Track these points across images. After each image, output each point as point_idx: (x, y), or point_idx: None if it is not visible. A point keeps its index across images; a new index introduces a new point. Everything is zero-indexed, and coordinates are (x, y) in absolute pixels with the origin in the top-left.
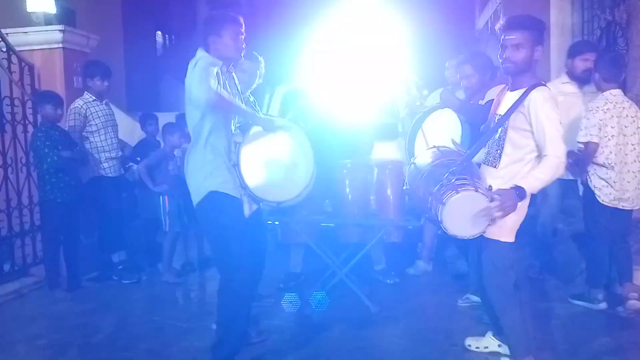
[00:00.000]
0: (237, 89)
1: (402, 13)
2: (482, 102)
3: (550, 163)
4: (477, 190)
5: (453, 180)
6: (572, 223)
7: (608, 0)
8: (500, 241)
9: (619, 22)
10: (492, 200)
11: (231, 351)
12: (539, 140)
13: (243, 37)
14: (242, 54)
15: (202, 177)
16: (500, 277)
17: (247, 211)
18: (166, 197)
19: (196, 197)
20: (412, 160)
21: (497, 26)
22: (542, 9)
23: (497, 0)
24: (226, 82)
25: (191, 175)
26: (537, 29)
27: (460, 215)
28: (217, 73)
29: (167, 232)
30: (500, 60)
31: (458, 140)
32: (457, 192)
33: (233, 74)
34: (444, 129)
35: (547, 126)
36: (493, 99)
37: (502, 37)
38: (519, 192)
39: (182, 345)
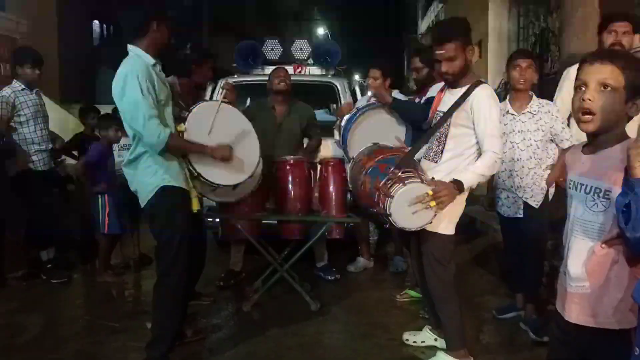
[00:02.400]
0: (166, 85)
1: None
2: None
3: (488, 158)
4: (423, 182)
5: (399, 174)
6: None
7: (542, 8)
8: (439, 233)
9: (552, 29)
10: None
11: (165, 349)
12: (480, 135)
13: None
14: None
15: (151, 173)
16: (440, 269)
17: (195, 206)
18: (105, 196)
19: (145, 194)
20: (353, 159)
21: (430, 42)
22: (481, 15)
23: (439, 5)
24: (159, 83)
25: (139, 173)
26: (464, 34)
27: (408, 208)
28: (151, 81)
29: (106, 233)
30: (439, 73)
31: (402, 136)
32: (404, 185)
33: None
34: (382, 127)
35: (487, 123)
36: (432, 96)
37: (434, 51)
38: (457, 185)
39: (115, 345)
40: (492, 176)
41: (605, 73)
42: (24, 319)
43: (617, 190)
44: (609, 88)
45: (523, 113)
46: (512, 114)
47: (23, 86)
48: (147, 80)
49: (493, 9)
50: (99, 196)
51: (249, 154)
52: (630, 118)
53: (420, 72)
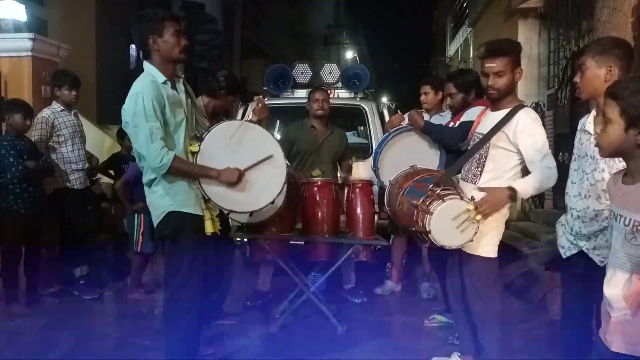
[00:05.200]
0: (182, 103)
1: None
2: (450, 122)
3: (543, 172)
4: (462, 199)
5: (438, 191)
6: (536, 246)
7: (573, 31)
8: (482, 256)
9: None
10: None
11: None
12: (529, 157)
13: (183, 35)
14: (185, 54)
15: (159, 197)
16: (484, 291)
17: (209, 229)
18: (142, 216)
19: (155, 218)
20: (389, 181)
21: (477, 54)
22: (510, 38)
23: (467, 29)
24: (171, 102)
25: (150, 196)
26: (515, 53)
27: (448, 225)
28: (159, 101)
29: (139, 252)
30: (484, 87)
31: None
32: (444, 201)
33: (182, 81)
34: (414, 150)
35: (539, 142)
36: (468, 121)
37: (484, 64)
38: (511, 191)
39: None
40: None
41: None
42: (56, 336)
43: None
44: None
45: None
46: (590, 134)
47: (62, 107)
48: (154, 100)
49: (523, 32)
50: (135, 215)
51: (271, 178)
52: None
53: (454, 97)
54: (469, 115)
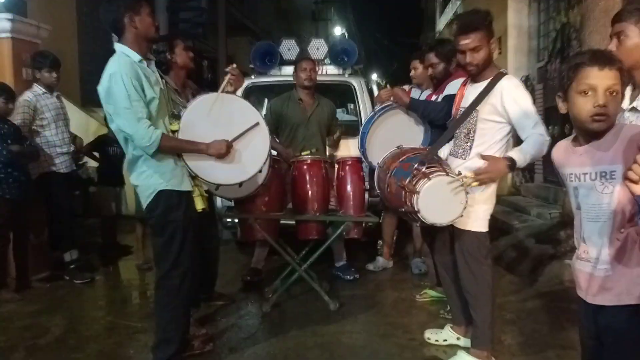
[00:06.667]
0: (158, 82)
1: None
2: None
3: (536, 139)
4: (448, 175)
5: (423, 169)
6: (526, 220)
7: (563, 2)
8: (473, 231)
9: (573, 24)
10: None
11: (172, 352)
12: (520, 123)
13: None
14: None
15: (147, 177)
16: (476, 265)
17: (199, 205)
18: None
19: (144, 199)
20: (378, 164)
21: (450, 31)
22: (500, 11)
23: (457, 2)
24: (147, 80)
25: (136, 177)
26: (487, 25)
27: (436, 202)
28: (138, 79)
29: None
30: (463, 65)
31: (418, 136)
32: (430, 179)
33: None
34: (400, 128)
35: (526, 109)
36: (451, 94)
37: (458, 42)
38: (509, 162)
39: (135, 345)
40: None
41: (614, 79)
42: (47, 320)
43: (621, 168)
44: (615, 93)
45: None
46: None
47: (43, 90)
48: (134, 79)
49: (512, 4)
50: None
51: (257, 147)
52: None
53: (435, 67)
54: (451, 88)
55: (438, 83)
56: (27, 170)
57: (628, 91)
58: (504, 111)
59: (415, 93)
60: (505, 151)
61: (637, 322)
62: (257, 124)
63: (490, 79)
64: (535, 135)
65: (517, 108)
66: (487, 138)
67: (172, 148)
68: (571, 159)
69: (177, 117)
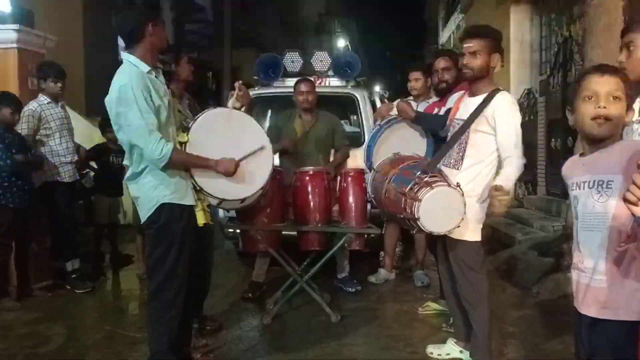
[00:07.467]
0: (166, 93)
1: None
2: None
3: (516, 163)
4: (449, 186)
5: (426, 178)
6: (529, 232)
7: (565, 17)
8: (468, 240)
9: (575, 38)
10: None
11: None
12: (503, 142)
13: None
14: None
15: (151, 188)
16: (472, 275)
17: (201, 220)
18: None
19: (146, 210)
20: (375, 169)
21: (458, 37)
22: (503, 24)
23: (459, 16)
24: (156, 92)
25: (140, 187)
26: (493, 38)
27: (436, 211)
28: (148, 90)
29: None
30: (460, 67)
31: (423, 149)
32: (432, 188)
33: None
34: (405, 141)
35: (511, 129)
36: (451, 107)
37: (462, 46)
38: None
39: (135, 355)
40: None
41: (616, 85)
42: (47, 329)
43: (619, 179)
44: (616, 98)
45: None
46: None
47: (49, 100)
48: (144, 90)
49: (515, 18)
50: None
51: (261, 165)
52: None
53: (447, 72)
54: (451, 101)
55: (447, 90)
56: (31, 179)
57: (637, 103)
58: (494, 123)
59: (412, 105)
60: (496, 162)
61: (632, 339)
62: (264, 147)
63: (486, 94)
64: (514, 158)
65: (502, 124)
66: (479, 149)
67: (182, 162)
68: (576, 168)
69: (185, 128)
